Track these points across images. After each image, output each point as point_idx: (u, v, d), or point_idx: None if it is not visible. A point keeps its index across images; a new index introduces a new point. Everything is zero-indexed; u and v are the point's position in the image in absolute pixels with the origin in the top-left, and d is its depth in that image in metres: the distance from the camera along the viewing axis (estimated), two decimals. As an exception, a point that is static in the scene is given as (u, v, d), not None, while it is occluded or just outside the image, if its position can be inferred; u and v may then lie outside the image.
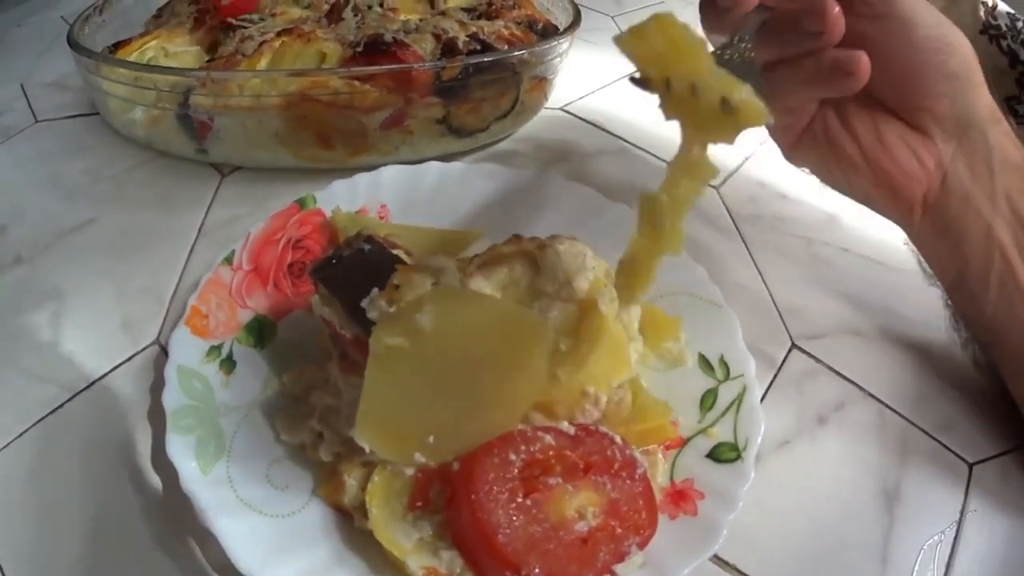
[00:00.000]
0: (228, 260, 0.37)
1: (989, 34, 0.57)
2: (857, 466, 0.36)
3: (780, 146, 0.39)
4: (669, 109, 0.26)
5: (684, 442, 0.33)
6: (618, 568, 0.27)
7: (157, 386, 0.33)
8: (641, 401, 0.32)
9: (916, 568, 0.32)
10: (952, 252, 0.36)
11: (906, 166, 0.35)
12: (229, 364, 0.34)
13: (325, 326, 0.33)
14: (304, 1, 0.54)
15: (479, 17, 0.53)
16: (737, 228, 0.48)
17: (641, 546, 0.27)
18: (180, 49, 0.50)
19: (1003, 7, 0.59)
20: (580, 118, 0.57)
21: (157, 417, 0.31)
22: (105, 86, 0.46)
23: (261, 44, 0.46)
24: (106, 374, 0.36)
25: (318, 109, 0.45)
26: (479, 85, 0.47)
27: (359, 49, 0.46)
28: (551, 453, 0.28)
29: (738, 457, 0.32)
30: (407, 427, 0.28)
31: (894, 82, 0.34)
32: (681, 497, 0.31)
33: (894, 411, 0.38)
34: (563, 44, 0.50)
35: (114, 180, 0.48)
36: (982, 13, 0.57)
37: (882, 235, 0.49)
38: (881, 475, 0.35)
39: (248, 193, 0.47)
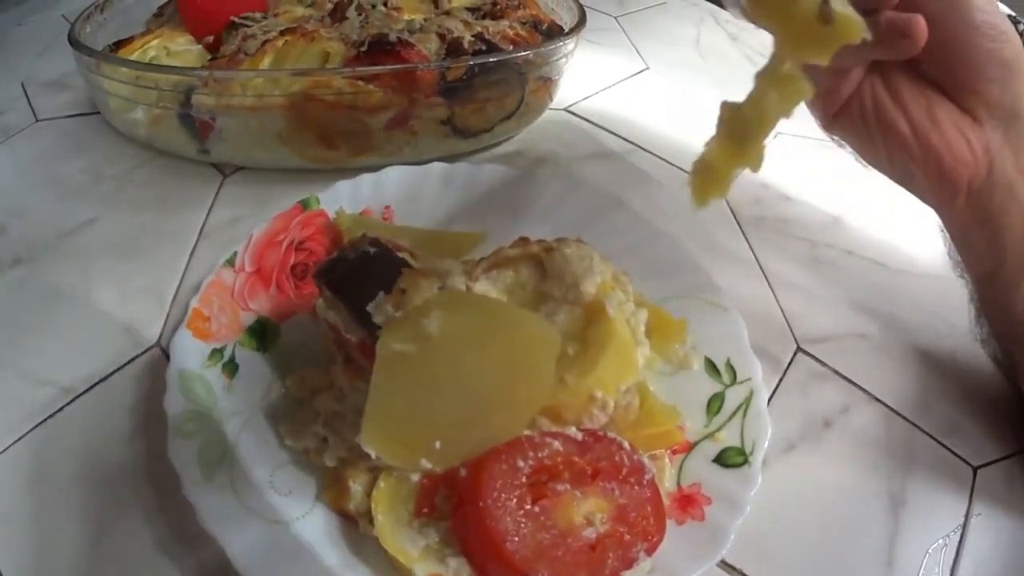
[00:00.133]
0: (230, 262, 0.37)
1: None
2: (862, 470, 0.36)
3: (818, 116, 0.38)
4: (761, 10, 0.25)
5: (691, 446, 0.33)
6: (626, 574, 0.27)
7: (158, 389, 0.32)
8: (648, 405, 0.32)
9: (921, 571, 0.32)
10: (990, 243, 0.35)
11: (956, 148, 0.34)
12: (231, 367, 0.34)
13: (329, 330, 0.32)
14: (307, 0, 0.54)
15: (483, 17, 0.53)
16: (741, 230, 0.48)
17: (649, 552, 0.27)
18: (182, 48, 0.50)
19: (1003, 8, 0.58)
20: (585, 119, 0.57)
21: (158, 421, 0.31)
22: (106, 85, 0.45)
23: (264, 43, 0.46)
24: (106, 377, 0.36)
25: (321, 109, 0.45)
26: (484, 85, 0.47)
27: (363, 49, 0.46)
28: (559, 459, 0.28)
29: (745, 462, 0.31)
30: (414, 433, 0.28)
31: (948, 60, 0.33)
32: (688, 502, 0.30)
33: (899, 415, 0.38)
34: (569, 44, 0.49)
35: (115, 180, 0.48)
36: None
37: (886, 237, 0.49)
38: (886, 479, 0.35)
39: (250, 194, 0.47)
